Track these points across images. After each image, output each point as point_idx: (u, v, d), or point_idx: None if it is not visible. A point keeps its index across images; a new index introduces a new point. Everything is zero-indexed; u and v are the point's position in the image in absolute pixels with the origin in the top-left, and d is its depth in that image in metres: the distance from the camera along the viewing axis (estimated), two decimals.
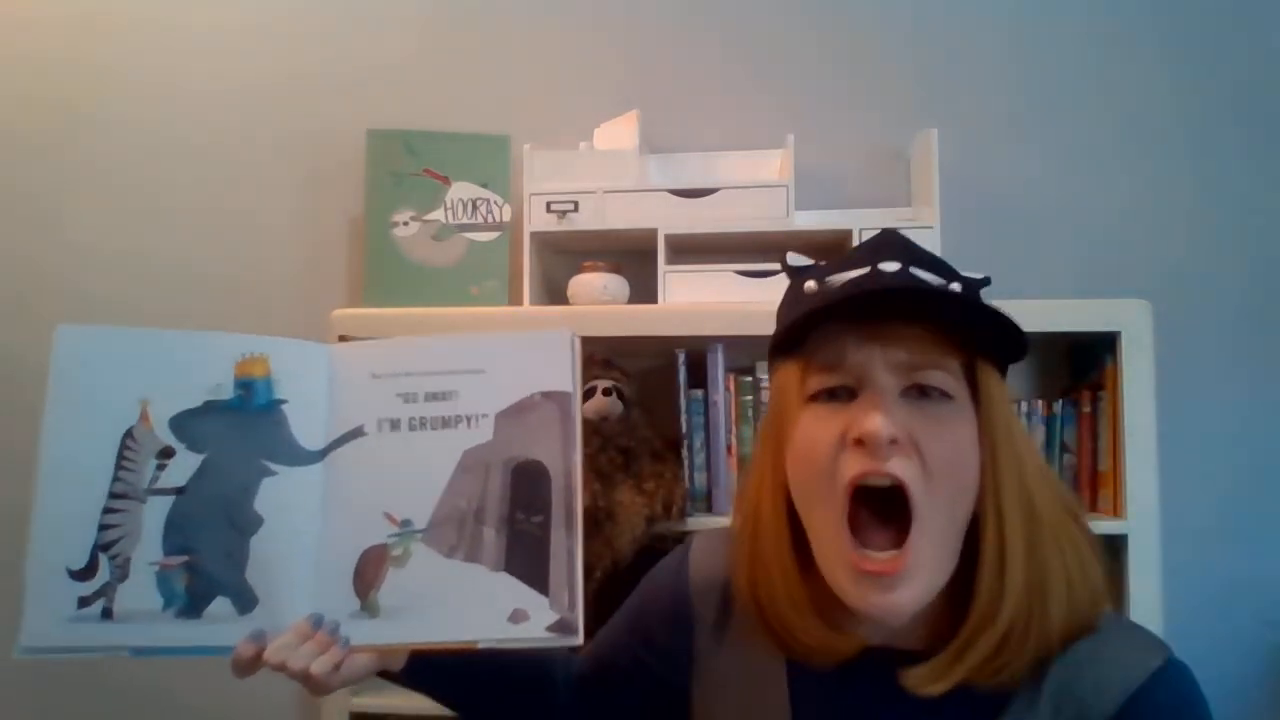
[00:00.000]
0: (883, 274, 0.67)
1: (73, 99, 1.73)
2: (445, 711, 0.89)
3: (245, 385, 0.78)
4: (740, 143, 1.56)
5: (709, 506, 1.38)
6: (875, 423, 0.63)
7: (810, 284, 0.70)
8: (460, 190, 1.49)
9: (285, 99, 1.69)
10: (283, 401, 0.78)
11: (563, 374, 0.78)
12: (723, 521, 1.36)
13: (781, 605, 0.71)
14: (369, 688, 1.41)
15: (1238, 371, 1.50)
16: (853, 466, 0.65)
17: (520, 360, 0.79)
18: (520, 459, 0.77)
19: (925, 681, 0.65)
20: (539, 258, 1.50)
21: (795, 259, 0.75)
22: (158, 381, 0.77)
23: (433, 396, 0.79)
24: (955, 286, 0.67)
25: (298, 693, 1.66)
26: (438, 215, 1.49)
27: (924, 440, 0.64)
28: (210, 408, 0.77)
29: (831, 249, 1.47)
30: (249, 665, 0.73)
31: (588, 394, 1.34)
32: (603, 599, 0.94)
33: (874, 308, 0.65)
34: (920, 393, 0.66)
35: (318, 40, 1.69)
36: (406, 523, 0.77)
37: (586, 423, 1.29)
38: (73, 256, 1.72)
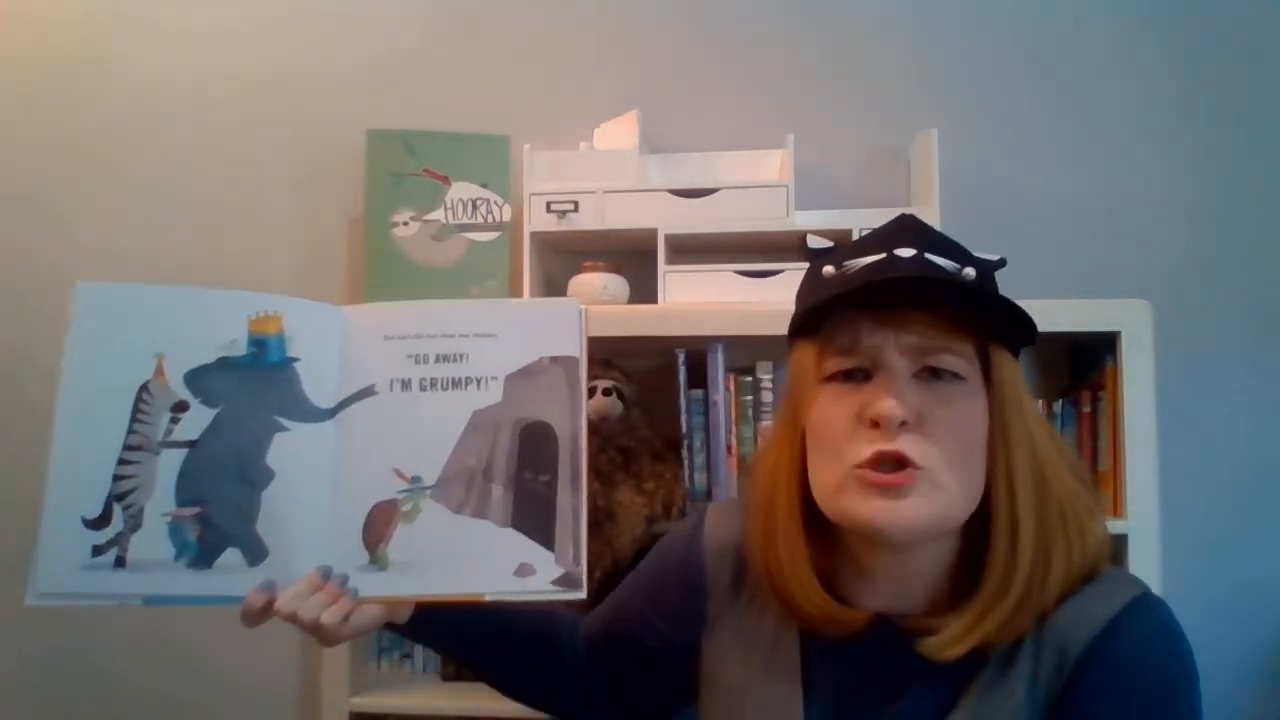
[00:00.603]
0: (898, 260, 0.69)
1: (72, 98, 1.73)
2: (445, 712, 0.90)
3: (259, 342, 0.80)
4: (740, 143, 1.56)
5: None
6: (888, 405, 0.66)
7: (829, 269, 0.73)
8: (460, 190, 1.49)
9: (285, 99, 1.69)
10: (295, 359, 0.80)
11: (571, 340, 0.82)
12: None
13: (789, 578, 0.73)
14: (369, 687, 1.42)
15: (1238, 371, 1.50)
16: (868, 445, 0.68)
17: (530, 326, 0.83)
18: (529, 420, 0.80)
19: (943, 648, 0.68)
20: (539, 258, 1.50)
21: (815, 242, 0.78)
22: (173, 337, 0.79)
23: (444, 358, 0.82)
24: (969, 271, 0.69)
25: (298, 692, 1.66)
26: (438, 215, 1.49)
27: (934, 419, 0.67)
28: (224, 364, 0.79)
29: None
30: (259, 615, 0.75)
31: (588, 394, 1.34)
32: (602, 598, 0.95)
33: (888, 295, 0.68)
34: (933, 374, 0.69)
35: (318, 40, 1.69)
36: (416, 479, 0.79)
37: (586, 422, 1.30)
38: (73, 256, 1.72)
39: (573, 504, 0.79)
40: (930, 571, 0.73)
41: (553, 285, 1.55)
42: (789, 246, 1.51)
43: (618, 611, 0.89)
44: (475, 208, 1.49)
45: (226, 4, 1.70)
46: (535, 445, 0.80)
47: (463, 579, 0.77)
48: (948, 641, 0.68)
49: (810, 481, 0.73)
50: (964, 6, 1.57)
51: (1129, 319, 1.28)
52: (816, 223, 1.44)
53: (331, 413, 0.80)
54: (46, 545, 0.75)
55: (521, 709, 1.37)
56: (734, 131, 1.58)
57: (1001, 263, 0.73)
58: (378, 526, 0.78)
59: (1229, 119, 1.53)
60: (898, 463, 0.67)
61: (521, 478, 0.79)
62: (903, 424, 0.67)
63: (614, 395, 1.36)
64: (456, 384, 0.81)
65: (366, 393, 0.81)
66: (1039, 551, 0.67)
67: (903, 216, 0.75)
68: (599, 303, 1.41)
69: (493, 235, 1.49)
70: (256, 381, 0.79)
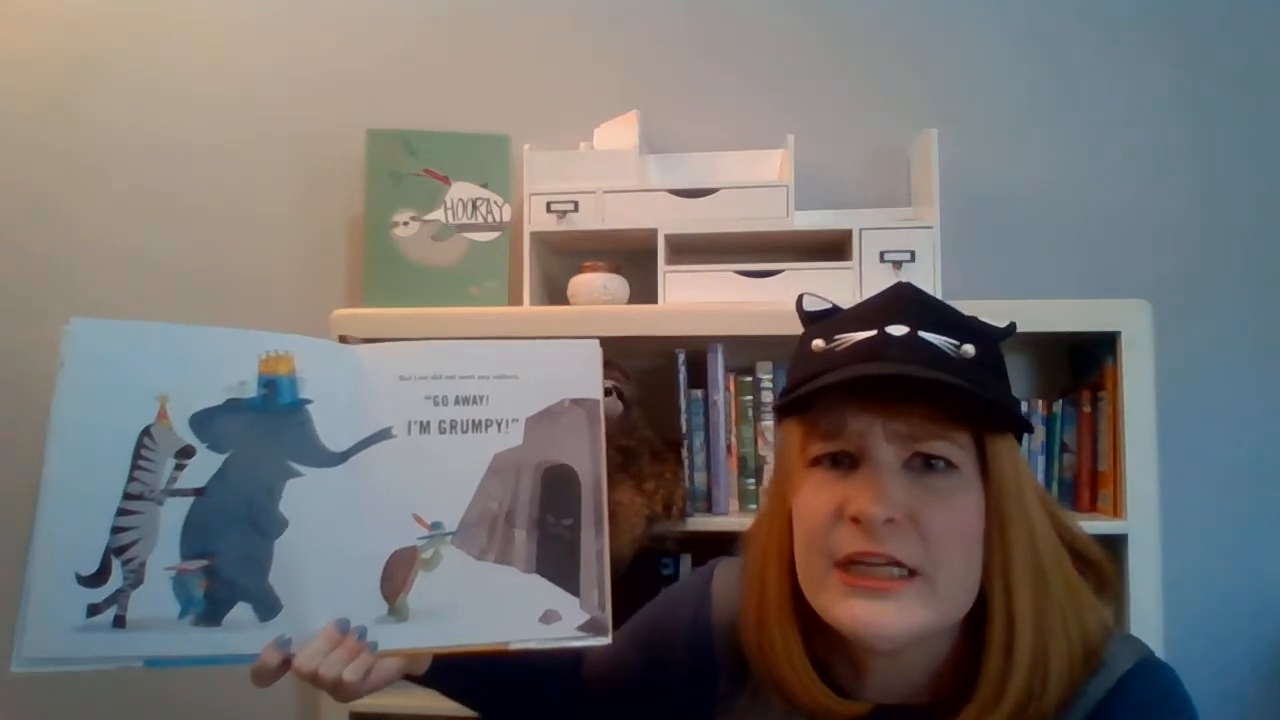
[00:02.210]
0: (890, 339, 0.65)
1: (72, 98, 1.73)
2: (445, 712, 0.89)
3: (269, 383, 0.76)
4: (740, 143, 1.56)
5: (709, 506, 1.38)
6: (870, 504, 0.62)
7: (818, 342, 0.69)
8: (460, 190, 1.49)
9: (285, 99, 1.69)
10: (308, 401, 0.76)
11: (592, 381, 0.81)
12: (722, 521, 1.36)
13: (784, 667, 0.70)
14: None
15: (1237, 371, 1.50)
16: (849, 544, 0.64)
17: (551, 367, 0.81)
18: (550, 463, 0.79)
19: None
20: (539, 258, 1.50)
21: (811, 303, 0.74)
22: (177, 378, 0.74)
23: (463, 400, 0.79)
24: (968, 349, 0.65)
25: (298, 692, 1.66)
26: (438, 215, 1.49)
27: (924, 515, 0.63)
28: (232, 406, 0.75)
29: (831, 249, 1.47)
30: (274, 674, 0.71)
31: None
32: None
33: (872, 385, 0.64)
34: (925, 462, 0.64)
35: (318, 40, 1.69)
36: (436, 525, 0.76)
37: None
38: (74, 255, 1.72)
39: (596, 547, 0.77)
40: (929, 664, 0.69)
41: (553, 285, 1.55)
42: (789, 246, 1.51)
43: (622, 665, 0.86)
44: (475, 208, 1.49)
45: (227, 4, 1.70)
46: (557, 489, 0.78)
47: (487, 628, 0.75)
48: None
49: (797, 570, 0.70)
50: (964, 6, 1.57)
51: (1129, 319, 1.28)
52: (816, 223, 1.44)
53: (345, 456, 0.77)
54: (35, 605, 0.68)
55: None
56: (734, 131, 1.58)
57: (1009, 331, 0.70)
58: (397, 575, 0.75)
59: (1229, 119, 1.53)
60: (890, 563, 0.63)
61: (545, 522, 0.77)
62: (889, 522, 0.62)
63: (614, 395, 1.36)
64: (476, 426, 0.79)
65: (383, 435, 0.78)
66: (1037, 653, 0.63)
67: (898, 286, 0.71)
68: (599, 303, 1.42)
69: (493, 235, 1.49)
70: (267, 425, 0.75)
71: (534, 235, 1.45)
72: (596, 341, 0.82)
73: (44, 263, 1.73)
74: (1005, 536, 0.64)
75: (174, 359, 0.75)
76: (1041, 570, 0.65)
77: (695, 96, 1.61)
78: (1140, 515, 1.25)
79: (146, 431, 0.73)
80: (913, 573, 0.63)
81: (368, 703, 1.39)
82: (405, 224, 1.48)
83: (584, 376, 0.80)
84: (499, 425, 0.79)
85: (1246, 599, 1.48)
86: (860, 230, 1.38)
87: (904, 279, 1.34)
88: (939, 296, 1.34)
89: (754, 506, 1.39)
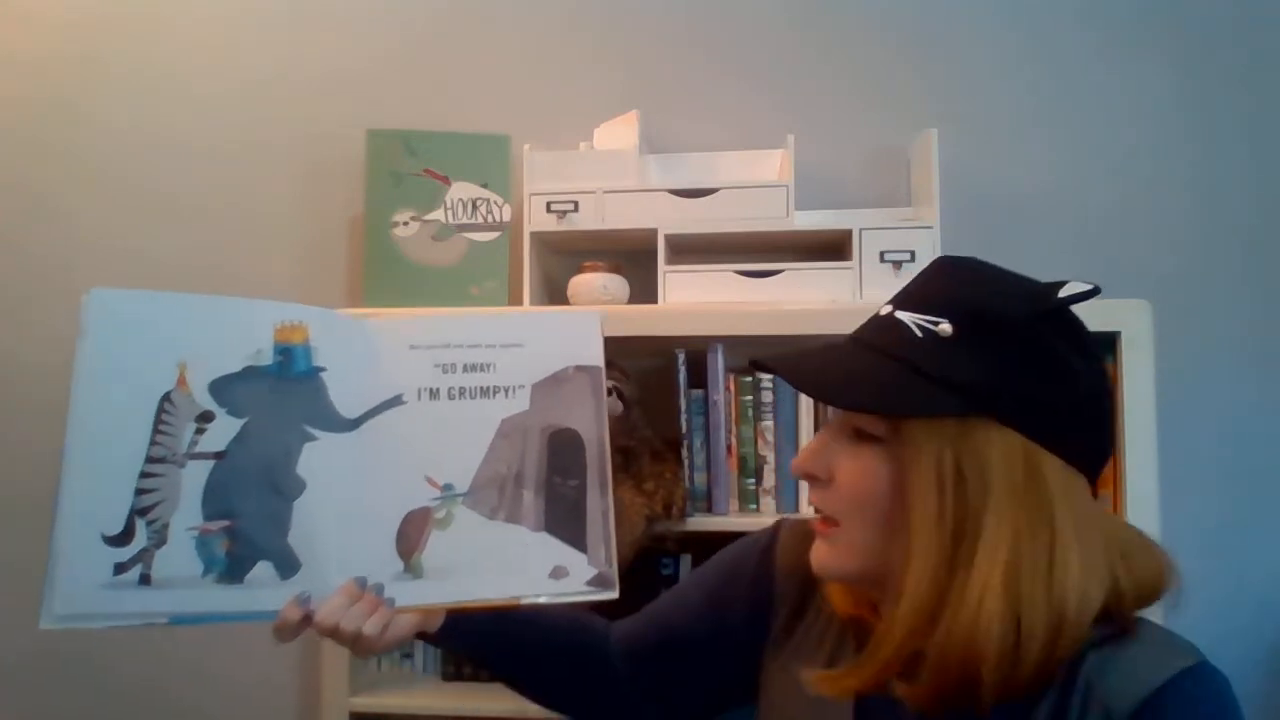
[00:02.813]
0: (874, 319, 0.73)
1: (72, 98, 1.73)
2: (445, 712, 0.90)
3: (285, 351, 0.79)
4: (740, 143, 1.56)
5: (709, 506, 1.38)
6: (795, 460, 0.74)
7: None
8: (460, 190, 1.49)
9: (285, 99, 1.69)
10: (321, 369, 0.80)
11: (594, 350, 0.85)
12: (723, 521, 1.36)
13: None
14: (369, 687, 1.42)
15: (1238, 371, 1.51)
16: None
17: (555, 336, 0.85)
18: (556, 427, 0.82)
19: (837, 684, 0.70)
20: (539, 258, 1.50)
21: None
22: (195, 346, 0.77)
23: (471, 368, 0.83)
24: (945, 328, 0.67)
25: (298, 692, 1.66)
26: (438, 215, 1.49)
27: (837, 472, 0.71)
28: (250, 373, 0.78)
29: (831, 249, 1.47)
30: (294, 630, 0.74)
31: None
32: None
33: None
34: (855, 431, 0.71)
35: (318, 40, 1.69)
36: (448, 487, 0.80)
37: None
38: (74, 255, 1.72)
39: (601, 507, 0.81)
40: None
41: (553, 285, 1.55)
42: (789, 246, 1.51)
43: (674, 612, 0.89)
44: (475, 208, 1.49)
45: (227, 4, 1.70)
46: (563, 451, 0.81)
47: (499, 583, 0.78)
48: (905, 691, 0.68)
49: None
50: (964, 6, 1.57)
51: (1129, 319, 1.28)
52: (816, 223, 1.44)
53: (359, 422, 0.80)
54: (62, 564, 0.71)
55: (522, 710, 1.38)
56: (734, 131, 1.59)
57: (1050, 303, 0.69)
58: (412, 534, 0.78)
59: (1229, 119, 1.53)
60: (818, 510, 0.73)
61: (552, 483, 0.81)
62: (810, 475, 0.72)
63: (613, 395, 1.36)
64: (485, 392, 0.82)
65: (394, 402, 0.81)
66: (919, 615, 0.65)
67: (933, 262, 0.75)
68: (599, 303, 1.42)
69: (493, 235, 1.49)
70: (283, 391, 0.78)
71: (534, 235, 1.45)
72: (598, 312, 0.87)
73: (44, 263, 1.73)
74: (905, 504, 0.67)
75: (192, 327, 0.78)
76: (945, 546, 0.65)
77: (695, 96, 1.61)
78: (1140, 515, 1.25)
79: (167, 397, 0.76)
80: (834, 521, 0.71)
81: (368, 703, 1.40)
82: (405, 224, 1.48)
83: (586, 345, 0.84)
84: (506, 391, 0.82)
85: (1246, 599, 1.48)
86: (860, 230, 1.38)
87: (904, 279, 1.36)
88: None
89: (754, 506, 1.39)
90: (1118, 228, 1.53)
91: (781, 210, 1.40)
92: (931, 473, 0.65)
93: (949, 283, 0.71)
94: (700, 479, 1.38)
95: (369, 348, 0.82)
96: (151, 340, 0.77)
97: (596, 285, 1.42)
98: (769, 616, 0.84)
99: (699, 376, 1.39)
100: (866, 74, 1.59)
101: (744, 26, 1.61)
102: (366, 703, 1.40)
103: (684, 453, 1.37)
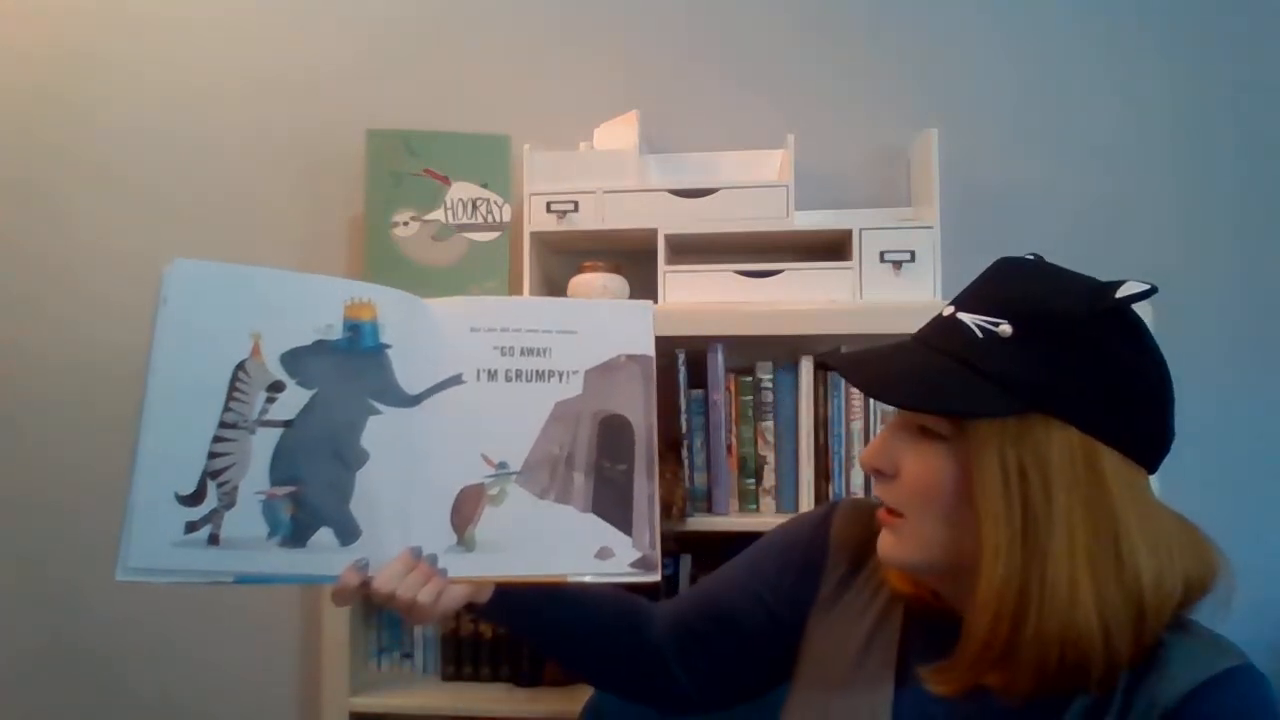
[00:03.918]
0: (937, 320, 0.74)
1: (72, 97, 1.73)
2: (445, 712, 0.90)
3: (354, 327, 0.82)
4: (740, 143, 1.56)
5: (709, 506, 1.38)
6: (863, 455, 0.76)
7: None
8: (460, 190, 1.49)
9: (285, 99, 1.69)
10: (387, 346, 0.82)
11: (647, 339, 0.86)
12: (723, 521, 1.36)
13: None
14: (369, 687, 1.42)
15: (1237, 371, 1.51)
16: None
17: (609, 325, 0.87)
18: (607, 412, 0.84)
19: (937, 682, 0.70)
20: (539, 258, 1.50)
21: None
22: (270, 318, 0.80)
23: (528, 352, 0.85)
24: (1005, 329, 0.68)
25: (298, 692, 1.66)
26: (438, 215, 1.49)
27: (902, 467, 0.72)
28: (320, 346, 0.81)
29: (831, 249, 1.47)
30: (353, 594, 0.77)
31: None
32: None
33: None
34: (920, 428, 0.72)
35: (317, 40, 1.69)
36: (502, 465, 0.82)
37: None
38: (75, 254, 1.72)
39: (648, 491, 0.83)
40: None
41: (553, 285, 1.55)
42: (789, 246, 1.51)
43: (723, 589, 0.91)
44: (475, 208, 1.49)
45: (226, 4, 1.70)
46: (613, 436, 0.84)
47: (546, 561, 0.81)
48: (937, 678, 0.70)
49: None
50: (964, 6, 1.57)
51: None
52: (816, 223, 1.44)
53: (420, 399, 0.83)
54: (138, 520, 0.74)
55: (522, 710, 1.38)
56: (734, 131, 1.58)
57: (1105, 304, 0.69)
58: (466, 509, 0.81)
59: (1228, 119, 1.53)
60: (883, 503, 0.75)
61: (601, 466, 0.83)
62: (877, 471, 0.74)
63: None
64: (540, 376, 0.85)
65: (454, 381, 0.84)
66: (1003, 612, 0.66)
67: (995, 263, 0.75)
68: None
69: (493, 235, 1.49)
70: (351, 365, 0.80)
71: (534, 235, 1.45)
72: (651, 303, 0.88)
73: (44, 263, 1.73)
74: (971, 501, 0.68)
75: (268, 300, 0.81)
76: (1013, 545, 0.66)
77: (695, 96, 1.61)
78: None
79: (241, 366, 0.78)
80: (899, 513, 0.73)
81: (368, 703, 1.40)
82: (405, 224, 1.48)
83: (639, 335, 0.86)
84: (560, 376, 0.85)
85: (1246, 599, 1.47)
86: (860, 230, 1.38)
87: (904, 279, 1.37)
88: (938, 297, 1.36)
89: (754, 506, 1.40)
90: (1117, 227, 1.53)
91: (781, 210, 1.40)
92: (995, 471, 0.67)
93: (1008, 283, 0.73)
94: (700, 479, 1.39)
95: (432, 328, 0.85)
96: (229, 310, 0.79)
97: (596, 285, 1.42)
98: (819, 580, 0.86)
99: (699, 376, 1.39)
100: (866, 74, 1.59)
101: (744, 26, 1.61)
102: (366, 703, 1.40)
103: (684, 453, 1.37)
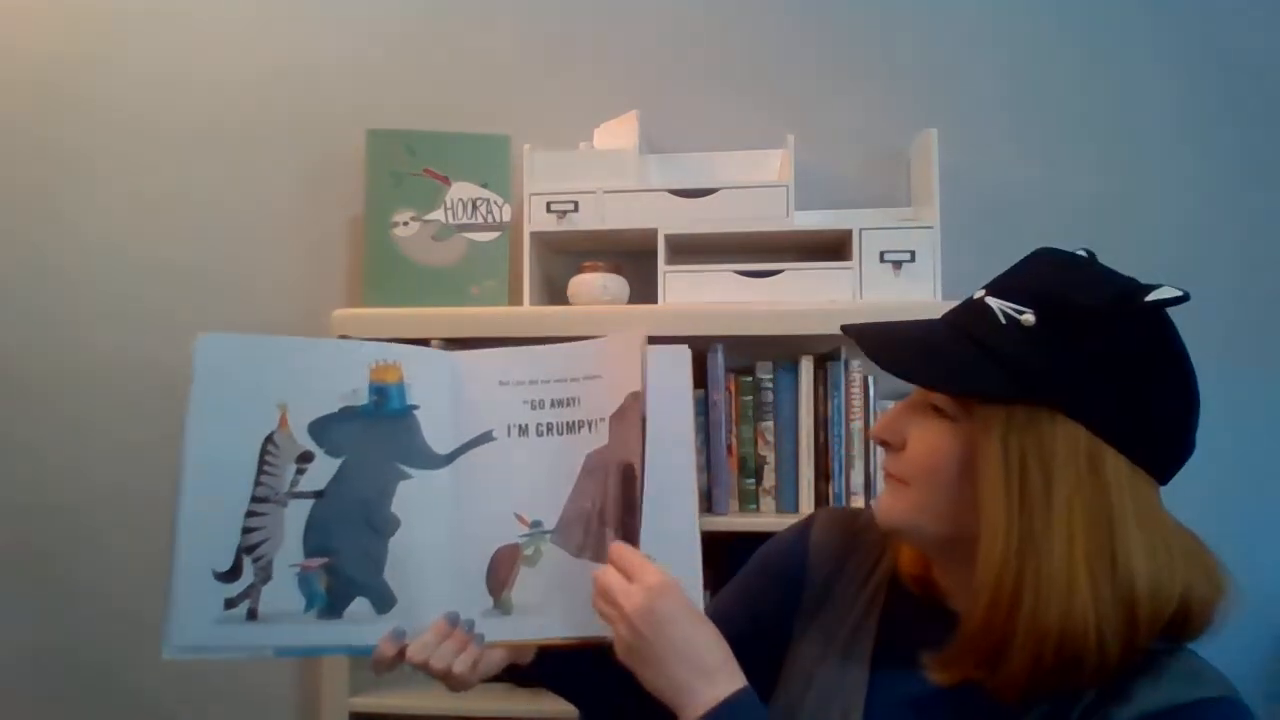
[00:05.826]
0: (965, 302, 0.74)
1: (72, 97, 1.73)
2: (445, 712, 0.90)
3: (379, 391, 0.81)
4: (740, 143, 1.56)
5: (709, 506, 1.38)
6: (874, 427, 0.76)
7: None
8: (460, 190, 1.49)
9: (285, 99, 1.69)
10: (415, 407, 0.81)
11: (637, 373, 0.81)
12: (723, 521, 1.36)
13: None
14: (369, 687, 1.42)
15: (1236, 371, 1.50)
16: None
17: (621, 363, 0.83)
18: (623, 461, 0.80)
19: (938, 670, 0.70)
20: (539, 258, 1.50)
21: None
22: (295, 387, 0.80)
23: (558, 403, 0.83)
24: (1028, 318, 0.68)
25: (298, 692, 1.66)
26: (438, 215, 1.49)
27: (910, 441, 0.73)
28: (347, 413, 0.80)
29: (831, 249, 1.47)
30: (390, 664, 0.76)
31: None
32: None
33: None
34: (933, 408, 0.72)
35: (318, 40, 1.69)
36: (537, 523, 0.80)
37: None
38: (76, 254, 1.72)
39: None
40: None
41: (553, 285, 1.55)
42: (789, 246, 1.51)
43: (724, 625, 0.87)
44: (475, 208, 1.49)
45: (226, 3, 1.70)
46: (626, 486, 0.80)
47: (585, 621, 0.77)
48: (934, 666, 0.70)
49: None
50: (964, 7, 1.57)
51: None
52: (816, 223, 1.44)
53: (451, 458, 0.82)
54: (179, 598, 0.75)
55: (522, 710, 1.38)
56: (734, 131, 1.58)
57: (1084, 308, 0.68)
58: (501, 571, 0.79)
59: (1227, 119, 1.53)
60: (889, 473, 0.75)
61: (624, 520, 0.79)
62: (884, 443, 0.75)
63: None
64: (570, 428, 0.82)
65: (485, 438, 0.82)
66: (1001, 602, 0.65)
67: (1033, 252, 0.75)
68: (599, 303, 1.42)
69: (493, 235, 1.49)
70: (379, 430, 0.80)
71: (534, 235, 1.45)
72: (643, 333, 0.83)
73: (44, 263, 1.72)
74: (973, 481, 0.68)
75: (292, 370, 0.80)
76: (1009, 532, 0.66)
77: (695, 96, 1.61)
78: None
79: (270, 438, 0.79)
80: (903, 481, 0.73)
81: (368, 703, 1.40)
82: (405, 224, 1.48)
83: (634, 369, 0.81)
84: (589, 425, 0.82)
85: (1246, 599, 1.47)
86: (860, 230, 1.38)
87: (904, 279, 1.37)
88: (938, 297, 1.36)
89: (754, 506, 1.40)
90: (1117, 228, 1.53)
91: (781, 210, 1.40)
92: (997, 456, 0.66)
93: (1041, 273, 0.72)
94: (700, 479, 1.39)
95: (459, 384, 0.83)
96: (255, 383, 0.79)
97: (596, 285, 1.42)
98: (801, 589, 0.86)
99: (699, 377, 1.38)
100: (866, 74, 1.59)
101: (744, 27, 1.61)
102: (366, 703, 1.40)
103: None
